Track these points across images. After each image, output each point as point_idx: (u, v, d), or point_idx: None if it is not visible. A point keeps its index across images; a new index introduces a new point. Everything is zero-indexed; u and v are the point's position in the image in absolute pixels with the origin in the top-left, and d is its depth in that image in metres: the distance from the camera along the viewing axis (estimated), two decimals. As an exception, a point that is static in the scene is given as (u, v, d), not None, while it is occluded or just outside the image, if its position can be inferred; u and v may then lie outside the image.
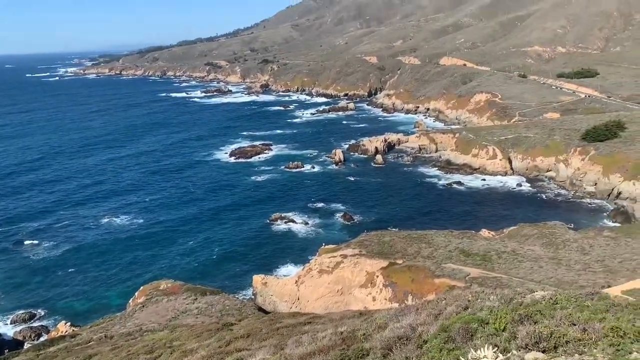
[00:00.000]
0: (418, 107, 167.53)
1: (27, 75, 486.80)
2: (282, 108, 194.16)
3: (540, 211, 73.78)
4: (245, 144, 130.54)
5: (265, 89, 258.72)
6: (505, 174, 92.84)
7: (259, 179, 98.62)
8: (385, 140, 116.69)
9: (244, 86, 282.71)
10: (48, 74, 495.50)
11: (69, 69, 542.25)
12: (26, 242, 69.85)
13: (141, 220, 77.26)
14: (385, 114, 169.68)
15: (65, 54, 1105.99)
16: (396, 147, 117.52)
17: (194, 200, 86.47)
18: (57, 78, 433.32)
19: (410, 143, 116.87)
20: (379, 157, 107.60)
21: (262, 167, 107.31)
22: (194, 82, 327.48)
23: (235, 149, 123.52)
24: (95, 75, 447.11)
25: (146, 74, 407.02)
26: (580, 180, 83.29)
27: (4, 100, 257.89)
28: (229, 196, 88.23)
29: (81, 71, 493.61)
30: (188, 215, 78.87)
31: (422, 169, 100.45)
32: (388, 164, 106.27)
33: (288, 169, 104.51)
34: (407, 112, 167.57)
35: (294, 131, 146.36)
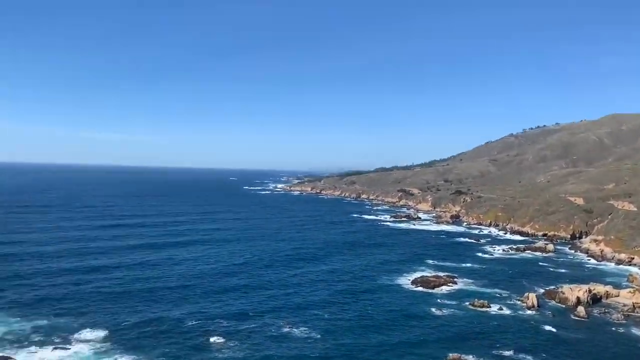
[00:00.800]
0: (633, 258, 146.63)
1: (245, 187, 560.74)
2: (471, 241, 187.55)
3: None
4: (428, 273, 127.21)
5: (456, 219, 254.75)
6: None
7: (439, 313, 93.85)
8: (590, 291, 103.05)
9: (433, 214, 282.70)
10: (261, 187, 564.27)
11: (278, 185, 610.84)
12: (214, 339, 75.30)
13: (318, 336, 78.25)
14: (590, 261, 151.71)
15: (277, 171, 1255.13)
16: (603, 300, 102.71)
17: (371, 326, 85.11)
18: (268, 192, 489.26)
19: (621, 298, 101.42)
20: (581, 309, 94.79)
21: (444, 301, 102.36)
22: (385, 207, 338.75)
23: (418, 278, 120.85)
24: (299, 192, 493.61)
25: (342, 195, 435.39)
26: None
27: (222, 207, 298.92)
28: (406, 327, 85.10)
29: (288, 187, 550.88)
30: (362, 341, 77.51)
31: (637, 332, 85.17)
32: (592, 318, 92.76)
33: (472, 307, 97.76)
34: (618, 262, 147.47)
35: (483, 267, 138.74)
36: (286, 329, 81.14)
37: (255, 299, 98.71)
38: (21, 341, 71.61)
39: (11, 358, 60.95)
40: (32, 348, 69.12)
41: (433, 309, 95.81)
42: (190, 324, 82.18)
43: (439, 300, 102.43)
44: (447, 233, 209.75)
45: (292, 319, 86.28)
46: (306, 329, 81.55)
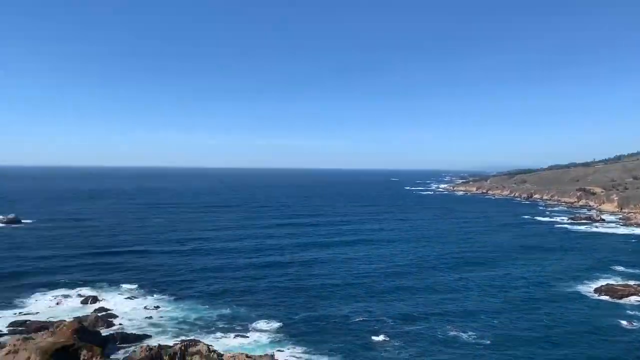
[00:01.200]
0: None
1: (406, 187, 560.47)
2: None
3: None
4: (614, 281, 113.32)
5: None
6: None
7: (630, 326, 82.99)
8: None
9: (620, 216, 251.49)
10: (423, 188, 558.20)
11: (440, 185, 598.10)
12: (379, 338, 76.08)
13: (488, 342, 74.57)
14: None
15: (439, 171, 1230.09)
16: None
17: (549, 337, 78.26)
18: (430, 192, 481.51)
19: None
20: None
21: (636, 312, 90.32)
22: (561, 207, 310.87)
23: (603, 286, 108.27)
24: (463, 192, 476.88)
25: (512, 195, 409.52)
26: None
27: (384, 208, 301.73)
28: (591, 341, 76.73)
29: (451, 187, 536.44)
30: (540, 352, 71.72)
31: None
32: None
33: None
34: None
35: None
36: (453, 333, 78.75)
37: (420, 301, 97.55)
38: (209, 327, 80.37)
39: (200, 341, 68.28)
40: (218, 334, 77.10)
41: (622, 322, 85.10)
42: (356, 320, 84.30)
43: (629, 312, 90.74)
44: (638, 237, 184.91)
45: (459, 324, 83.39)
46: (475, 335, 78.13)
